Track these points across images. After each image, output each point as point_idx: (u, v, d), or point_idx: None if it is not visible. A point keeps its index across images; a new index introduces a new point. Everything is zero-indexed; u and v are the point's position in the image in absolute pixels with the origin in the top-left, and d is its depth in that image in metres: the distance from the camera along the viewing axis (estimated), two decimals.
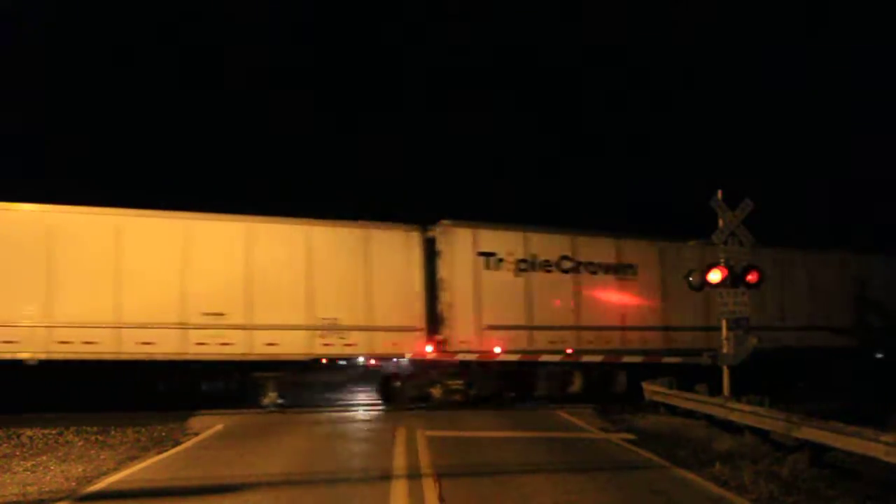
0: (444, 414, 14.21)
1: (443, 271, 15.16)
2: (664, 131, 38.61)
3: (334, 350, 14.58)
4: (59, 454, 9.67)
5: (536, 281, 15.65)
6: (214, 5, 43.05)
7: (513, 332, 15.35)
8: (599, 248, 16.38)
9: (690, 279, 13.77)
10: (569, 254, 16.06)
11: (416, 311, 15.07)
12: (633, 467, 9.17)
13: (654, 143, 38.15)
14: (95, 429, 11.73)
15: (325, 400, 16.92)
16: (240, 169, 34.53)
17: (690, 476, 8.49)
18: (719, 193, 13.04)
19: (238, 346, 13.92)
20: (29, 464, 8.96)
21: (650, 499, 7.48)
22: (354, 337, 14.59)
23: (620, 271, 16.47)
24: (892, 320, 18.65)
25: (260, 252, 14.33)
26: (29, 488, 7.63)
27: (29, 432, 11.31)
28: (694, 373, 14.08)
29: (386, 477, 8.11)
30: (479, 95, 38.58)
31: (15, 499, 7.23)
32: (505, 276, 15.44)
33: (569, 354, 15.73)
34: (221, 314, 13.88)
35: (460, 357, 15.10)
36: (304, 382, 16.92)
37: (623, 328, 16.27)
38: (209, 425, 12.07)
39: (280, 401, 14.63)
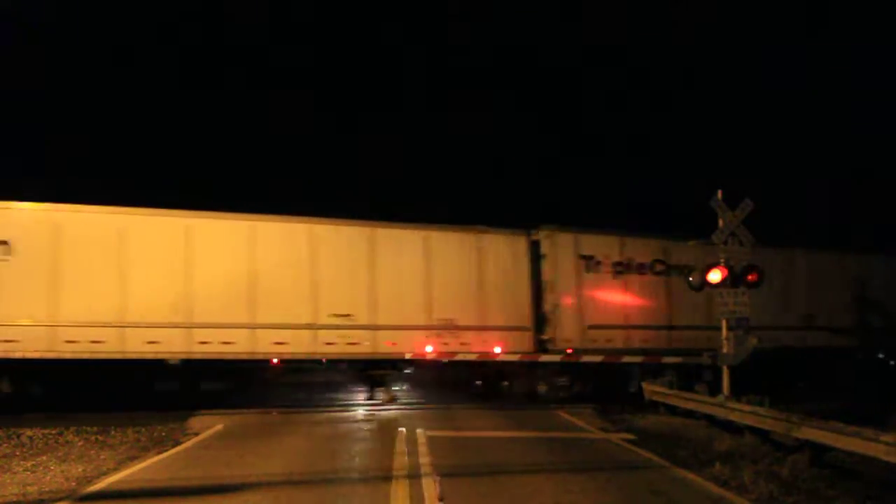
0: (444, 414, 14.23)
1: (547, 273, 15.98)
2: (664, 131, 38.63)
3: (450, 349, 15.29)
4: (59, 454, 9.67)
5: (632, 282, 16.46)
6: (214, 5, 43.02)
7: (612, 332, 16.09)
8: (688, 253, 16.94)
9: (691, 279, 13.82)
10: (661, 257, 16.91)
11: (524, 312, 15.85)
12: (633, 467, 9.17)
13: (655, 143, 38.17)
14: (95, 429, 11.73)
15: (325, 400, 16.94)
16: (237, 169, 34.58)
17: (690, 476, 8.49)
18: (719, 193, 13.04)
19: (363, 345, 14.75)
20: (29, 464, 8.96)
21: (650, 499, 7.48)
22: (468, 336, 15.36)
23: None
24: (892, 320, 18.65)
25: (382, 256, 15.17)
26: (29, 488, 7.63)
27: (29, 432, 11.31)
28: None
29: (386, 477, 8.10)
30: (480, 95, 38.60)
31: (15, 499, 7.23)
32: (603, 278, 16.26)
33: (569, 354, 15.80)
34: (349, 315, 14.65)
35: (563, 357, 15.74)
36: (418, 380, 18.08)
37: (708, 328, 16.54)
38: (209, 425, 12.07)
39: (391, 397, 15.61)
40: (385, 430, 11.71)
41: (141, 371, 14.25)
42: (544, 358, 15.71)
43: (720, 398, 12.22)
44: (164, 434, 11.37)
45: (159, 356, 13.96)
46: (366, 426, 12.54)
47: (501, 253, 15.90)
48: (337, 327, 14.61)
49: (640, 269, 16.61)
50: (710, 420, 12.03)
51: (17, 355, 13.09)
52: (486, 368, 16.15)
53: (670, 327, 16.67)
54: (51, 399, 13.81)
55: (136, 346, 13.60)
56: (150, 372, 14.52)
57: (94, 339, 13.33)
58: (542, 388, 16.02)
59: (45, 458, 9.38)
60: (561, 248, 16.04)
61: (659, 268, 16.79)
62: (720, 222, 12.98)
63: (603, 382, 16.25)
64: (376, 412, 14.65)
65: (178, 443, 10.54)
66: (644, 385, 15.12)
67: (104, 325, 13.46)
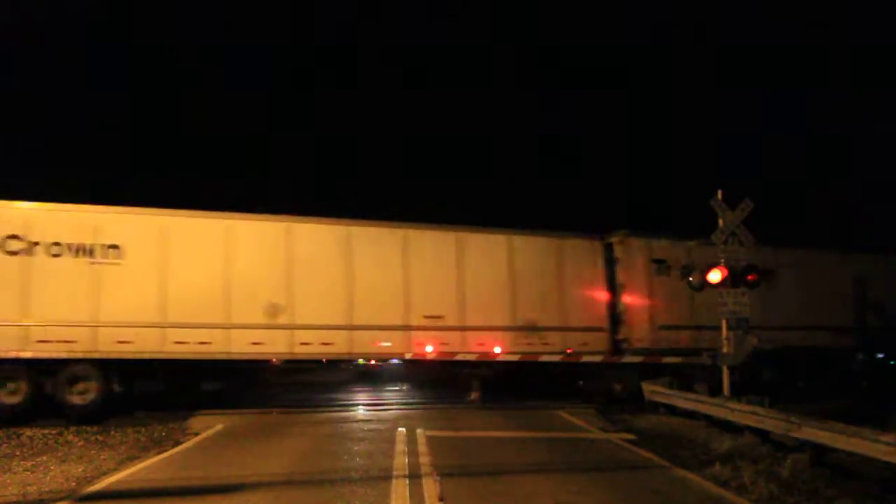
0: (444, 414, 14.24)
1: (621, 276, 16.58)
2: (664, 131, 38.63)
3: (534, 349, 15.68)
4: (59, 454, 9.67)
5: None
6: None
7: (680, 332, 16.45)
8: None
9: (691, 279, 13.81)
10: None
11: (601, 313, 16.42)
12: (633, 467, 9.17)
13: (654, 143, 38.16)
14: (95, 429, 11.75)
15: (325, 400, 16.94)
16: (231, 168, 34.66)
17: (690, 476, 8.50)
18: (719, 193, 13.03)
19: (453, 345, 15.16)
20: (29, 464, 8.96)
21: (650, 499, 7.48)
22: (551, 337, 15.87)
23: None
24: (892, 320, 18.64)
25: (469, 260, 15.71)
26: (29, 488, 7.62)
27: (29, 432, 11.32)
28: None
29: (386, 477, 8.11)
30: (479, 95, 38.66)
31: (15, 499, 7.23)
32: (673, 281, 16.65)
33: (568, 355, 15.89)
34: (440, 317, 15.12)
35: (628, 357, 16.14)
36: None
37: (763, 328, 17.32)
38: (209, 425, 12.07)
39: (479, 395, 15.94)
40: (385, 430, 11.71)
41: (187, 371, 14.69)
42: (627, 359, 16.07)
43: (720, 398, 12.21)
44: (164, 434, 11.38)
45: (263, 357, 14.71)
46: (366, 426, 12.54)
47: (579, 257, 16.60)
48: (428, 328, 15.09)
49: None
50: (710, 420, 12.02)
51: (129, 356, 13.49)
52: (564, 368, 16.40)
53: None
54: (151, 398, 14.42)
55: (240, 346, 13.99)
56: (197, 372, 15.09)
57: (201, 340, 13.72)
58: (617, 387, 16.19)
59: (45, 458, 9.38)
60: (634, 253, 16.67)
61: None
62: (720, 222, 12.98)
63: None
64: (376, 412, 14.67)
65: (178, 443, 10.54)
66: (644, 385, 15.11)
67: (212, 327, 13.85)
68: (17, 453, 9.75)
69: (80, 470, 8.56)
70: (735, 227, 12.90)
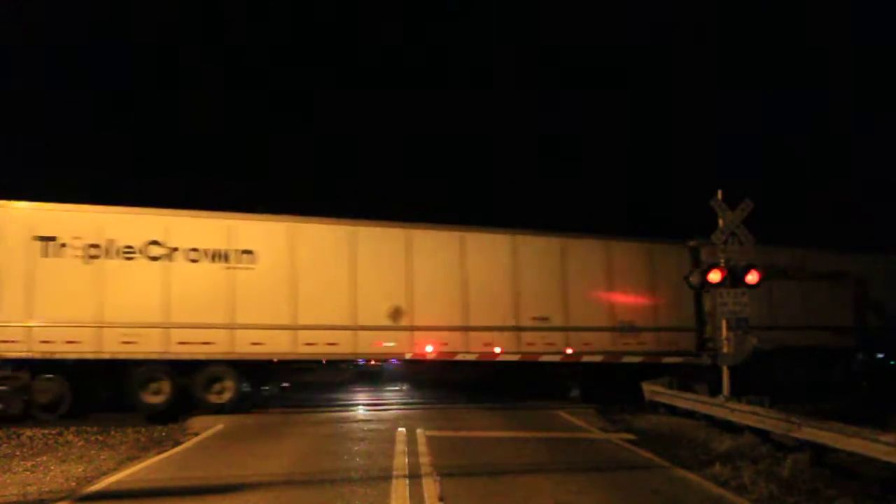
0: (444, 414, 14.24)
1: None
2: (664, 131, 38.62)
3: (630, 348, 16.40)
4: (59, 454, 9.67)
5: (775, 287, 17.18)
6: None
7: (759, 332, 16.23)
8: (819, 260, 18.54)
9: (691, 279, 13.81)
10: (800, 264, 18.31)
11: (689, 313, 17.13)
12: (633, 467, 9.16)
13: (654, 143, 38.15)
14: (95, 429, 11.75)
15: (325, 400, 16.94)
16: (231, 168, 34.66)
17: (690, 476, 8.48)
18: (719, 193, 13.03)
19: (558, 345, 15.85)
20: (29, 464, 8.96)
21: (650, 498, 7.47)
22: (645, 337, 16.61)
23: (832, 279, 18.76)
24: (892, 320, 18.64)
25: (571, 264, 16.43)
26: (29, 488, 7.62)
27: (29, 432, 11.32)
28: None
29: (386, 477, 8.10)
30: (480, 95, 38.67)
31: (15, 499, 7.22)
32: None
33: (568, 355, 15.93)
34: (547, 318, 15.83)
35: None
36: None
37: (828, 328, 18.14)
38: (209, 425, 12.07)
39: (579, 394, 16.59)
40: (385, 430, 11.71)
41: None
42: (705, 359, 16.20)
43: (720, 398, 12.20)
44: (164, 434, 11.38)
45: (391, 356, 15.71)
46: (366, 426, 12.54)
47: (668, 261, 17.27)
48: (536, 329, 15.76)
49: (784, 274, 17.74)
50: (710, 420, 12.01)
51: (262, 357, 14.02)
52: (645, 366, 16.59)
53: (809, 327, 17.89)
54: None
55: (365, 347, 14.77)
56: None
57: (329, 341, 14.41)
58: (700, 387, 16.09)
59: (45, 458, 9.38)
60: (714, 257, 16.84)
61: (793, 274, 18.12)
62: (720, 222, 12.97)
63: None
64: (376, 412, 14.67)
65: (178, 443, 10.54)
66: (644, 385, 15.10)
67: (340, 329, 14.49)
68: (17, 453, 9.75)
69: (80, 470, 8.55)
70: (735, 227, 12.89)
